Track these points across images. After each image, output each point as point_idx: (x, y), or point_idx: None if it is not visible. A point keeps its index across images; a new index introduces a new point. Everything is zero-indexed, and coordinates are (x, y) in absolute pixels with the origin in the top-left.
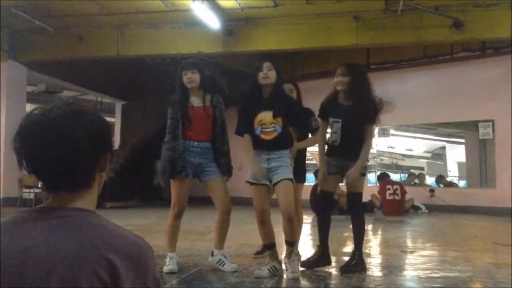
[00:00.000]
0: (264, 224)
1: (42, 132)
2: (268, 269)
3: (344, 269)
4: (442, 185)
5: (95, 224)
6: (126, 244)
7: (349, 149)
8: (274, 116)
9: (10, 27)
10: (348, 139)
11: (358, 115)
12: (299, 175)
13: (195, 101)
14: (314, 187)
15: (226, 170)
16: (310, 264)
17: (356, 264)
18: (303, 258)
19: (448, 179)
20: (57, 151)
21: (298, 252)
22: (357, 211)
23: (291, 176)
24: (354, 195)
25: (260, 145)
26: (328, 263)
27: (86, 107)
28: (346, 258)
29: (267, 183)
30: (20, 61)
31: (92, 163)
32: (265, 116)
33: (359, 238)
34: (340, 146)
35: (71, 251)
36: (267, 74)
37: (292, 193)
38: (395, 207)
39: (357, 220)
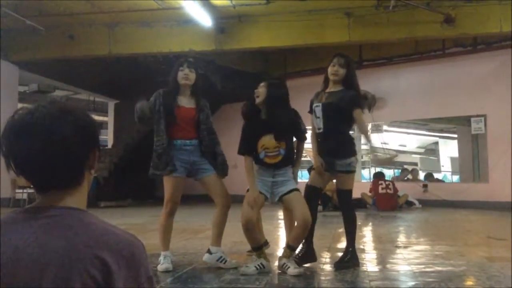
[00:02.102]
0: (250, 232)
1: (29, 132)
2: (255, 266)
3: (338, 265)
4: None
5: (87, 222)
6: (118, 242)
7: (333, 138)
8: (276, 139)
9: (1, 26)
10: (330, 124)
11: (341, 98)
12: None
13: (182, 100)
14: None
15: (222, 170)
16: (295, 261)
17: (349, 260)
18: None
19: (441, 176)
20: (45, 150)
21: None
22: (347, 208)
23: (296, 187)
24: (343, 192)
25: (264, 166)
26: (313, 259)
27: (71, 105)
28: (340, 254)
29: (266, 194)
30: (11, 60)
31: (81, 161)
32: (268, 140)
33: (350, 234)
34: (324, 134)
35: (63, 251)
36: (257, 93)
37: (305, 201)
38: (388, 201)
39: (347, 217)
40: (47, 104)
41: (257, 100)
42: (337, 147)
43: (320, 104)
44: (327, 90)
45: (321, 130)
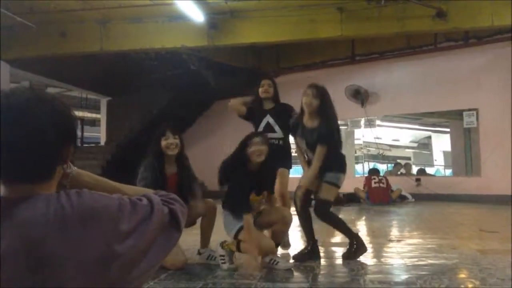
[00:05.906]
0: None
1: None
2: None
3: (347, 255)
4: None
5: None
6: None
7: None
8: (258, 195)
9: None
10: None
11: (318, 136)
12: (285, 161)
13: (169, 169)
14: None
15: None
16: (301, 257)
17: (357, 249)
18: (295, 250)
19: (433, 170)
20: (12, 141)
21: (288, 240)
22: (326, 219)
23: None
24: (322, 202)
25: None
26: (317, 257)
27: (49, 95)
28: (335, 248)
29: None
30: (2, 58)
31: (52, 156)
32: (253, 197)
33: (344, 231)
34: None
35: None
36: (260, 151)
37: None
38: (382, 194)
39: (332, 224)
40: (24, 91)
41: (258, 159)
42: (328, 164)
43: (304, 141)
44: (306, 123)
45: (311, 158)
